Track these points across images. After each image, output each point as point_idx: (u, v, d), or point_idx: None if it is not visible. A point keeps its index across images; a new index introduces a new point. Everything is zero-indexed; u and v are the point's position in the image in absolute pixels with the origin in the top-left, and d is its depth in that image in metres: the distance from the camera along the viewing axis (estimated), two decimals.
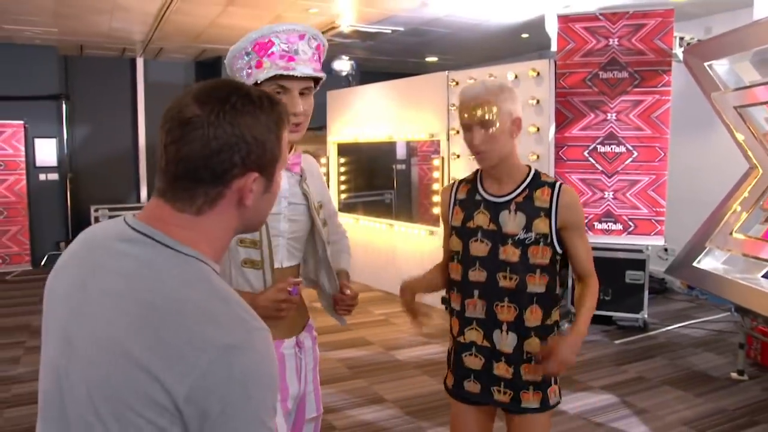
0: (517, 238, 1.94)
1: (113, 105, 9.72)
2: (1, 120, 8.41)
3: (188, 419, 0.88)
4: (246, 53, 1.71)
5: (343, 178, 8.62)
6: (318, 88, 1.82)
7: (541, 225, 1.94)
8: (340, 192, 8.56)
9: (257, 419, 0.91)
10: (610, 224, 5.66)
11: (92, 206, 9.14)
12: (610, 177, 5.63)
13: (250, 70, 1.70)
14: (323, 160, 8.79)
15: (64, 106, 8.89)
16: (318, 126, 9.04)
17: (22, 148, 8.50)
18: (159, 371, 0.88)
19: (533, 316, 1.97)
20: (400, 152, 8.86)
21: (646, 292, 5.67)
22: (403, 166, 9.01)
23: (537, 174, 2.01)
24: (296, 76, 1.69)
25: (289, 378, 1.81)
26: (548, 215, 1.94)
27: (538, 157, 5.61)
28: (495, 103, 1.89)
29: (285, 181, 1.78)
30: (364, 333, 5.81)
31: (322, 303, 2.05)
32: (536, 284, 1.97)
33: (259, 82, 1.68)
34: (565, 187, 1.98)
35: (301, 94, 1.74)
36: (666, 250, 7.08)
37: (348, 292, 1.97)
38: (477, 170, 2.10)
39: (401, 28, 7.93)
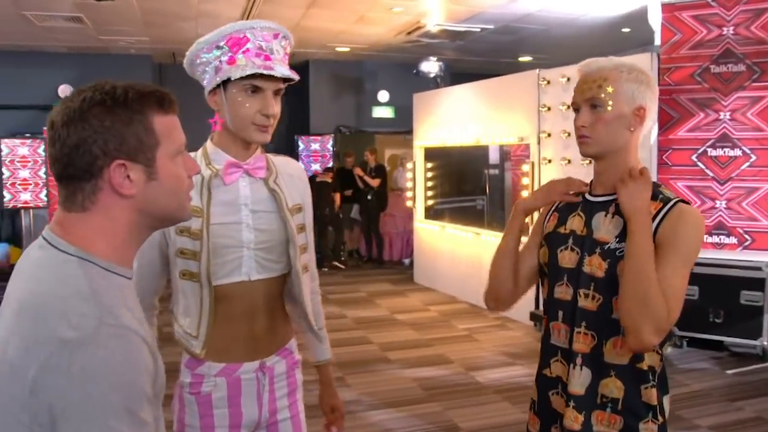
0: (607, 247, 1.53)
1: (206, 110, 9.82)
2: None
3: (39, 416, 0.90)
4: (217, 47, 1.59)
5: (429, 183, 8.30)
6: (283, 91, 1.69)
7: None
8: (426, 198, 8.24)
9: (99, 420, 0.90)
10: (722, 237, 5.02)
11: None
12: (722, 184, 4.99)
13: (219, 65, 1.60)
14: (409, 165, 8.52)
15: None
16: (406, 130, 8.81)
17: None
18: (18, 368, 0.91)
19: (616, 351, 1.51)
20: (493, 156, 8.46)
21: (766, 316, 4.98)
22: (497, 171, 8.60)
23: (655, 184, 1.56)
24: (272, 77, 1.59)
25: (245, 403, 1.70)
26: None
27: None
28: (613, 81, 1.53)
29: (247, 187, 1.68)
30: (444, 350, 5.46)
31: (293, 313, 1.85)
32: None
33: (232, 79, 1.58)
34: (684, 206, 1.51)
35: (274, 95, 1.64)
36: None
37: (334, 431, 1.95)
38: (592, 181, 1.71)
39: (491, 26, 7.52)
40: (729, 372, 4.76)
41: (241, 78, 1.56)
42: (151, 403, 0.99)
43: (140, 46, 8.39)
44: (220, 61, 1.59)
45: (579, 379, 1.54)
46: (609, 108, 1.53)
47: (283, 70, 1.60)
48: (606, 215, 1.57)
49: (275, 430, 1.77)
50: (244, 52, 1.58)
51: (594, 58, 1.60)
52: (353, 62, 10.16)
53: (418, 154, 8.18)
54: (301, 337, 1.91)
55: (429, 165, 8.27)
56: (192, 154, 1.69)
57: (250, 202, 1.68)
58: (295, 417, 1.81)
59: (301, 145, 10.20)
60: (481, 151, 8.03)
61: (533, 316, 6.01)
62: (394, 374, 4.88)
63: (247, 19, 7.05)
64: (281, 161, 1.82)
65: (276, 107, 1.63)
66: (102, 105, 1.02)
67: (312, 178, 9.34)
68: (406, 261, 9.37)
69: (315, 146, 10.24)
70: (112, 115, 1.02)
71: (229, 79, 1.58)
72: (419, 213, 8.23)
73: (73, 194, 1.03)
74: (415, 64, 8.67)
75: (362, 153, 9.67)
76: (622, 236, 1.51)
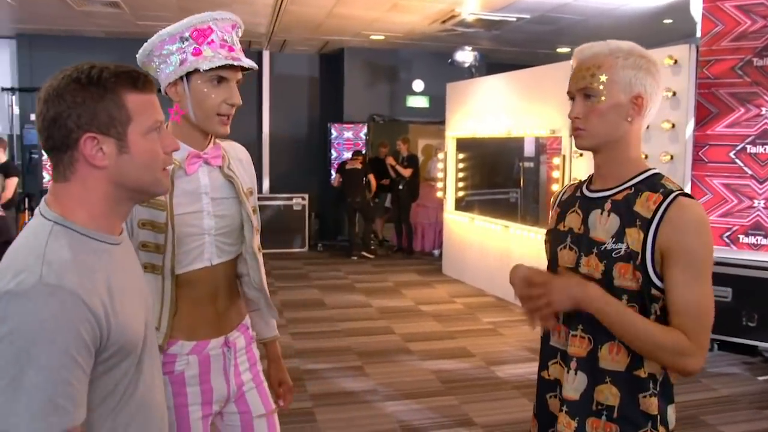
0: (603, 248, 1.43)
1: (240, 97, 9.95)
2: None
3: None
4: (181, 38, 1.61)
5: (461, 174, 8.20)
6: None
7: (633, 236, 1.40)
8: (457, 189, 8.15)
9: (17, 367, 0.98)
10: (759, 238, 4.83)
11: None
12: (761, 183, 4.79)
13: (184, 57, 1.62)
14: (440, 156, 8.43)
15: None
16: (440, 120, 8.71)
17: None
18: None
19: (612, 357, 1.43)
20: (528, 149, 8.29)
21: None
22: (531, 164, 8.44)
23: (657, 176, 1.46)
24: (235, 67, 1.65)
25: (214, 379, 1.76)
26: (645, 228, 1.39)
27: (672, 157, 4.89)
28: (608, 69, 1.43)
29: (205, 176, 1.72)
30: (466, 343, 5.40)
31: (246, 292, 1.90)
32: None
33: (201, 70, 1.60)
34: (684, 200, 1.39)
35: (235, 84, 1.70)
36: None
37: (281, 404, 2.00)
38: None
39: (527, 16, 7.36)
40: (761, 378, 4.59)
41: (207, 69, 1.60)
42: (81, 368, 1.04)
43: None
44: (185, 53, 1.61)
45: (573, 384, 1.47)
46: (603, 98, 1.43)
47: (246, 60, 1.67)
48: (602, 213, 1.47)
49: (243, 401, 1.84)
50: (209, 44, 1.61)
51: (591, 42, 1.49)
52: (388, 51, 10.07)
53: (450, 145, 8.09)
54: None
55: (461, 156, 8.16)
56: None
57: (210, 190, 1.73)
58: (259, 386, 1.89)
59: (334, 133, 10.19)
60: (516, 143, 7.87)
61: None
62: (413, 365, 4.84)
63: (281, 6, 7.05)
64: (228, 146, 1.85)
65: (239, 97, 1.68)
66: (77, 83, 1.11)
67: (342, 165, 9.33)
68: (436, 252, 9.30)
69: (348, 134, 10.21)
70: (85, 92, 1.11)
71: (194, 70, 1.60)
72: (449, 204, 8.15)
73: (56, 165, 1.14)
74: (450, 53, 8.54)
75: (395, 143, 9.61)
76: (619, 236, 1.42)
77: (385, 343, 5.41)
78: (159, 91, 1.64)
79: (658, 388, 1.43)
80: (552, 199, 1.72)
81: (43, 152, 1.25)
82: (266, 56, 10.02)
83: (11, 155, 8.45)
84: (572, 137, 1.55)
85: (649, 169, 1.48)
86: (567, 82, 1.52)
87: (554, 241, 1.58)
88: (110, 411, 1.14)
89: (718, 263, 5.11)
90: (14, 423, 0.98)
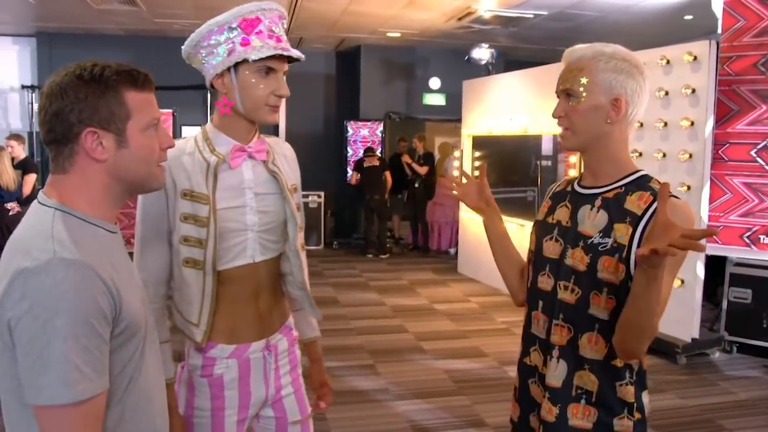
0: (590, 241, 1.50)
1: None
2: None
3: (4, 338, 1.06)
4: (229, 28, 1.59)
5: (477, 173, 8.12)
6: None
7: (621, 231, 1.46)
8: None
9: (42, 340, 1.02)
10: None
11: None
12: None
13: (232, 47, 1.59)
14: (456, 154, 8.38)
15: (209, 95, 9.26)
16: (457, 118, 8.65)
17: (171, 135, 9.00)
18: None
19: (591, 346, 1.50)
20: (546, 147, 8.21)
21: None
22: (549, 163, 8.36)
23: (646, 177, 1.52)
24: (282, 58, 1.63)
25: (253, 383, 1.73)
26: (634, 224, 1.45)
27: (690, 156, 4.79)
28: (589, 72, 1.49)
29: (249, 170, 1.70)
30: (479, 342, 5.36)
31: (289, 291, 1.86)
32: (600, 307, 1.48)
33: (250, 60, 1.58)
34: (676, 201, 1.42)
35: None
36: None
37: (322, 405, 1.99)
38: None
39: (544, 12, 7.28)
40: None
41: (256, 59, 1.57)
42: (101, 337, 1.08)
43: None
44: (233, 43, 1.58)
45: (555, 372, 1.54)
46: (582, 99, 1.49)
47: (296, 51, 1.64)
48: (591, 209, 1.53)
49: (280, 406, 1.82)
50: (257, 34, 1.59)
51: (578, 45, 1.54)
52: (404, 48, 10.03)
53: (466, 143, 8.03)
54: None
55: (477, 154, 8.10)
56: (190, 137, 1.71)
57: (254, 185, 1.70)
58: (297, 392, 1.86)
59: (350, 131, 10.17)
60: (533, 141, 7.80)
61: None
62: (425, 365, 4.81)
63: (297, 3, 7.04)
64: (273, 142, 1.83)
65: (287, 88, 1.66)
66: (80, 79, 1.15)
67: (359, 163, 9.30)
68: (452, 251, 9.25)
69: (364, 132, 10.19)
70: (87, 88, 1.15)
71: (242, 61, 1.58)
72: None
73: (56, 157, 1.19)
74: (467, 50, 8.48)
75: (412, 140, 9.57)
76: (606, 231, 1.48)
77: (398, 341, 5.38)
78: (186, 88, 1.63)
79: (634, 377, 1.51)
80: (547, 192, 1.77)
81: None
82: None
83: (31, 152, 8.55)
84: (560, 138, 1.58)
85: (639, 171, 1.54)
86: None
87: (541, 231, 1.65)
88: (118, 392, 1.16)
89: (737, 264, 5.01)
90: (49, 395, 1.02)
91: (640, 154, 5.13)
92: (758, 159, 4.76)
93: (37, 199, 1.20)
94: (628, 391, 1.50)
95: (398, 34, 8.98)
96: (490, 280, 7.41)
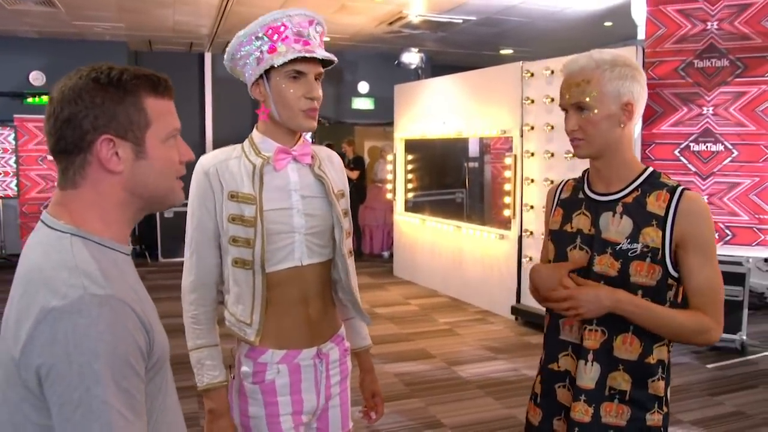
0: (618, 248, 1.55)
1: (182, 100, 9.51)
2: None
3: (30, 385, 0.95)
4: (256, 37, 1.61)
5: (410, 176, 8.23)
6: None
7: (651, 235, 1.53)
8: (406, 190, 8.17)
9: (81, 387, 0.92)
10: None
11: None
12: (704, 179, 4.99)
13: (260, 55, 1.62)
14: (389, 157, 8.44)
15: None
16: (386, 122, 8.71)
17: None
18: (11, 338, 0.98)
19: (626, 347, 1.56)
20: (473, 149, 8.40)
21: (746, 311, 5.02)
22: (476, 164, 8.55)
23: (654, 174, 1.60)
24: (313, 60, 1.63)
25: (306, 390, 1.73)
26: (662, 225, 1.53)
27: None
28: (597, 83, 1.53)
29: (295, 173, 1.71)
30: (425, 344, 5.41)
31: (340, 298, 1.86)
32: None
33: (275, 66, 1.60)
34: (690, 194, 1.54)
35: (315, 79, 1.67)
36: (766, 260, 6.35)
37: (373, 416, 1.98)
38: (586, 170, 1.73)
39: (473, 18, 7.46)
40: (709, 366, 4.79)
41: (283, 65, 1.59)
42: (139, 376, 0.99)
43: (116, 32, 8.18)
44: (261, 51, 1.61)
45: (589, 374, 1.57)
46: (596, 111, 1.54)
47: (322, 52, 1.64)
48: (614, 215, 1.58)
49: (326, 417, 1.81)
50: (283, 40, 1.60)
51: (575, 56, 1.59)
52: (333, 52, 9.87)
53: (399, 146, 8.11)
54: None
55: (410, 157, 8.19)
56: (238, 145, 1.73)
57: (300, 188, 1.71)
58: (344, 404, 1.86)
59: None
60: (461, 144, 7.96)
61: (514, 310, 5.99)
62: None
63: (226, 7, 6.90)
64: (318, 149, 1.84)
65: (319, 90, 1.67)
66: (96, 83, 1.05)
67: None
68: (386, 254, 9.31)
69: None
70: (104, 92, 1.05)
71: (271, 68, 1.60)
72: (399, 205, 8.16)
73: (65, 169, 1.08)
74: (395, 55, 8.58)
75: (341, 145, 9.56)
76: (634, 237, 1.54)
77: None
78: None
79: (664, 373, 1.58)
80: (547, 197, 1.81)
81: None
82: (208, 58, 9.80)
83: None
84: (573, 146, 1.62)
85: (646, 169, 1.61)
86: (514, 83, 1.65)
87: (562, 241, 1.67)
88: (150, 424, 1.08)
89: None
90: None
91: (552, 155, 5.34)
92: (681, 158, 5.05)
93: (42, 221, 1.09)
94: (659, 387, 1.55)
95: (327, 39, 8.95)
96: (427, 281, 7.51)
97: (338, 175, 1.84)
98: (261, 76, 1.63)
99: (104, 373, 0.94)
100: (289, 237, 1.69)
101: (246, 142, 1.73)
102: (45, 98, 8.70)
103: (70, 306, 0.94)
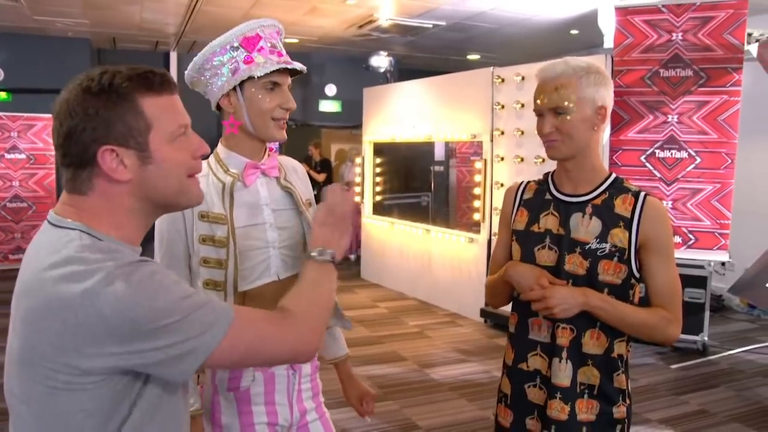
0: (588, 247, 1.62)
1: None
2: (31, 113, 8.29)
3: (72, 372, 0.95)
4: (232, 47, 1.60)
5: (378, 179, 8.25)
6: None
7: (619, 236, 1.61)
8: (375, 194, 8.19)
9: (155, 332, 0.95)
10: None
11: None
12: (669, 185, 5.14)
13: (235, 65, 1.60)
14: (358, 160, 8.44)
15: None
16: (354, 124, 8.72)
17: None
18: (36, 340, 0.97)
19: (593, 342, 1.63)
20: (439, 153, 8.46)
21: (707, 313, 5.18)
22: (441, 168, 8.62)
23: (618, 179, 1.69)
24: (285, 71, 1.64)
25: (279, 402, 1.71)
26: (628, 227, 1.61)
27: None
28: (574, 88, 1.60)
29: (264, 187, 1.70)
30: (396, 347, 5.43)
31: None
32: None
33: (256, 77, 1.59)
34: (652, 199, 1.64)
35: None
36: (724, 264, 6.55)
37: (368, 420, 2.01)
38: (547, 173, 1.79)
39: (443, 23, 7.52)
40: (673, 367, 4.92)
41: (262, 75, 1.58)
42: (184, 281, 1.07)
43: (79, 29, 7.98)
44: (237, 62, 1.60)
45: (564, 372, 1.64)
46: (573, 114, 1.61)
47: (298, 64, 1.67)
48: (584, 216, 1.65)
49: (306, 431, 1.79)
50: (259, 51, 1.60)
51: (551, 62, 1.66)
52: (300, 54, 9.92)
53: (367, 149, 8.12)
54: None
55: (378, 160, 8.21)
56: (203, 161, 1.67)
57: (270, 202, 1.71)
58: (322, 417, 1.84)
59: None
60: (428, 148, 8.02)
61: (483, 313, 6.05)
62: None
63: (195, 7, 6.81)
64: (282, 160, 1.83)
65: (293, 101, 1.67)
66: (87, 92, 1.02)
67: None
68: (352, 256, 9.30)
69: None
70: (97, 101, 1.02)
71: (247, 79, 1.59)
72: (367, 208, 8.17)
73: (74, 179, 1.06)
74: (363, 58, 8.58)
75: (308, 147, 9.53)
76: (603, 237, 1.62)
77: None
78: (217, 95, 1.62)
79: (623, 367, 1.67)
80: (505, 198, 1.84)
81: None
82: (174, 57, 9.65)
83: None
84: (546, 148, 1.69)
85: (610, 174, 1.70)
86: (485, 88, 1.71)
87: (529, 241, 1.72)
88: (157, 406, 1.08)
89: None
90: (220, 329, 1.02)
91: (522, 160, 5.44)
92: (647, 164, 5.19)
93: (48, 221, 1.06)
94: (622, 380, 1.65)
95: (296, 40, 8.92)
96: (395, 284, 7.53)
97: (304, 185, 1.84)
98: (234, 87, 1.61)
99: (166, 305, 0.97)
100: (263, 252, 1.68)
101: (212, 159, 1.70)
102: (3, 95, 8.47)
103: (103, 281, 0.94)
